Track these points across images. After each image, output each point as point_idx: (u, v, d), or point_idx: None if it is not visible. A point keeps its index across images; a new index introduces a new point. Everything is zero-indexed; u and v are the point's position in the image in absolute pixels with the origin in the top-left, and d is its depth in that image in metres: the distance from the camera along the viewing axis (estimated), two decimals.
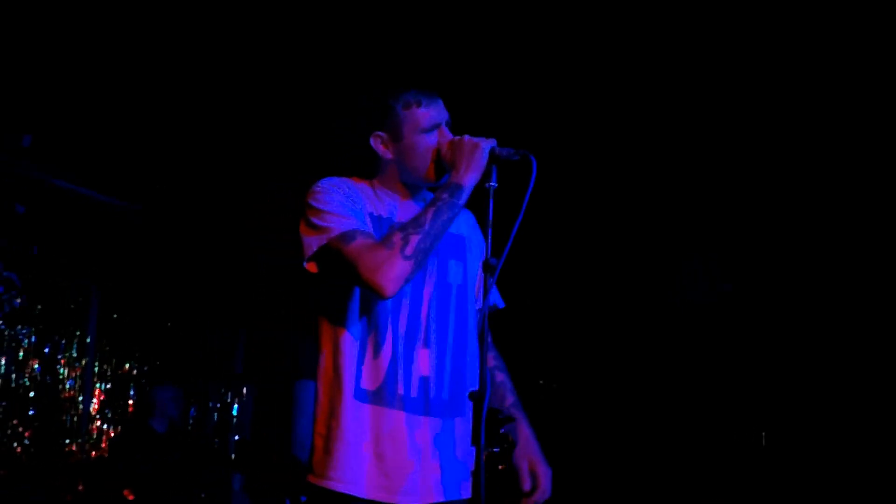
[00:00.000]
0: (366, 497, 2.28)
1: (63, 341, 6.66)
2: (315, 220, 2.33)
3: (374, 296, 2.32)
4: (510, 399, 2.54)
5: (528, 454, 2.55)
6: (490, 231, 2.21)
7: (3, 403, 6.21)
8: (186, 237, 7.23)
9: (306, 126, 6.06)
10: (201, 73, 5.54)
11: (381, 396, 2.38)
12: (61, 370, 6.59)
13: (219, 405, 7.24)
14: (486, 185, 2.31)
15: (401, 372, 2.40)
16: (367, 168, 2.60)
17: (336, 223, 2.31)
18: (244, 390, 7.26)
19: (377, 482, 2.32)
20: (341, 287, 2.43)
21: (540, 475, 2.52)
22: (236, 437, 7.33)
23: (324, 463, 2.34)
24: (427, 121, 2.47)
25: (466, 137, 2.38)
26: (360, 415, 2.37)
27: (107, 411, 6.92)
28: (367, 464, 2.34)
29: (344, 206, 2.39)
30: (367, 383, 2.40)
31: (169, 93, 5.80)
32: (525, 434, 2.56)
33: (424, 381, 2.42)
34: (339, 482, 2.31)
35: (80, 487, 5.88)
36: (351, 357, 2.40)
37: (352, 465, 2.33)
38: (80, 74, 5.52)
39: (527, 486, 2.47)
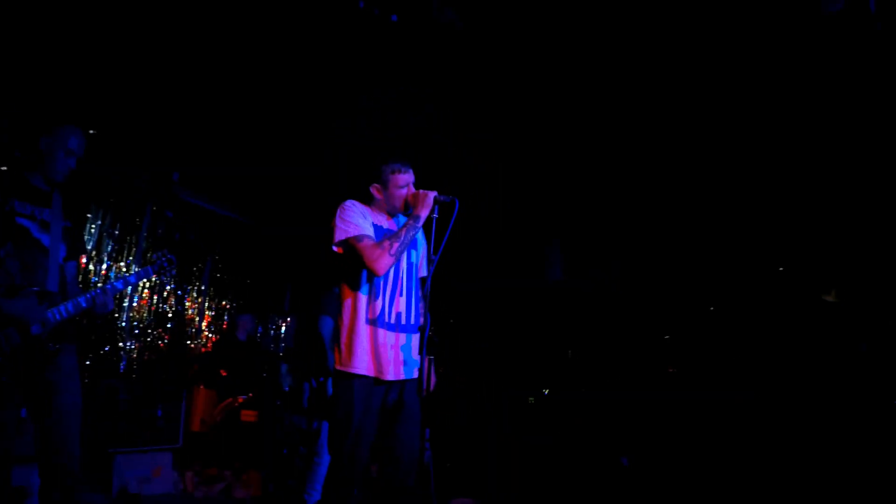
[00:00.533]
0: (367, 374, 3.66)
1: (189, 287, 8.76)
2: (341, 225, 3.73)
3: (371, 273, 3.72)
4: (428, 326, 3.63)
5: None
6: (433, 237, 3.69)
7: (153, 320, 8.16)
8: (263, 234, 9.20)
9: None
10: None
11: (377, 322, 3.75)
12: (186, 304, 8.69)
13: (274, 327, 9.13)
14: (432, 216, 3.77)
15: (387, 309, 3.79)
16: (366, 198, 3.98)
17: (353, 229, 3.72)
18: (289, 319, 9.16)
19: (374, 367, 3.68)
20: (353, 263, 3.76)
21: (432, 379, 3.93)
22: (283, 345, 9.21)
23: (347, 358, 3.69)
24: (402, 181, 3.91)
25: (422, 191, 3.81)
26: (366, 332, 3.73)
27: (211, 327, 8.98)
28: (369, 358, 3.69)
29: (358, 219, 3.78)
30: (370, 315, 3.76)
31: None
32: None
33: (398, 314, 3.82)
34: (355, 368, 3.67)
35: (196, 367, 7.95)
36: (361, 301, 3.76)
37: (361, 358, 3.68)
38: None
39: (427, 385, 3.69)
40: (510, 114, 7.03)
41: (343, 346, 3.72)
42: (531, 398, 7.86)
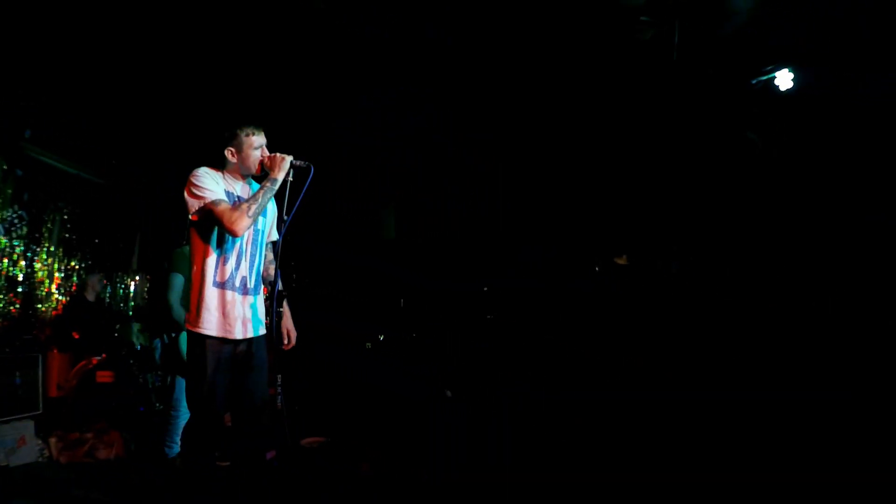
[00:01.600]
0: (216, 335, 3.81)
1: (38, 248, 8.29)
2: (196, 192, 3.75)
3: (229, 235, 3.78)
4: (279, 285, 3.83)
5: (286, 322, 4.16)
6: (286, 200, 3.76)
7: (5, 284, 7.72)
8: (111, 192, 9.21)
9: None
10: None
11: (225, 285, 3.86)
12: (36, 265, 8.27)
13: (123, 286, 9.03)
14: (288, 179, 3.84)
15: (234, 273, 3.89)
16: (218, 162, 3.99)
17: (209, 194, 3.75)
18: (137, 278, 9.12)
19: (222, 328, 3.83)
20: (208, 229, 3.82)
21: (292, 334, 4.20)
22: (132, 304, 9.14)
23: (197, 319, 3.81)
24: (256, 143, 3.94)
25: (278, 154, 3.88)
26: (215, 294, 3.84)
27: (61, 288, 8.62)
28: (217, 319, 3.82)
29: (212, 185, 3.80)
30: (219, 278, 3.86)
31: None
32: (287, 310, 4.09)
33: (244, 278, 3.93)
34: (204, 329, 3.80)
35: (48, 331, 7.90)
36: (211, 265, 3.84)
37: (210, 320, 3.81)
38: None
39: (286, 341, 4.05)
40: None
41: (193, 308, 3.86)
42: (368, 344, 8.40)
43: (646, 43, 6.47)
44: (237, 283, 3.92)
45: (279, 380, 4.85)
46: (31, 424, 6.35)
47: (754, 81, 6.99)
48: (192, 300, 3.89)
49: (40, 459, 6.25)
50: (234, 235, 3.79)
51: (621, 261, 7.88)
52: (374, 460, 5.95)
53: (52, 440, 6.43)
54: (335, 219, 9.39)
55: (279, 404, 5.25)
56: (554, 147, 8.25)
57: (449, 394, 7.45)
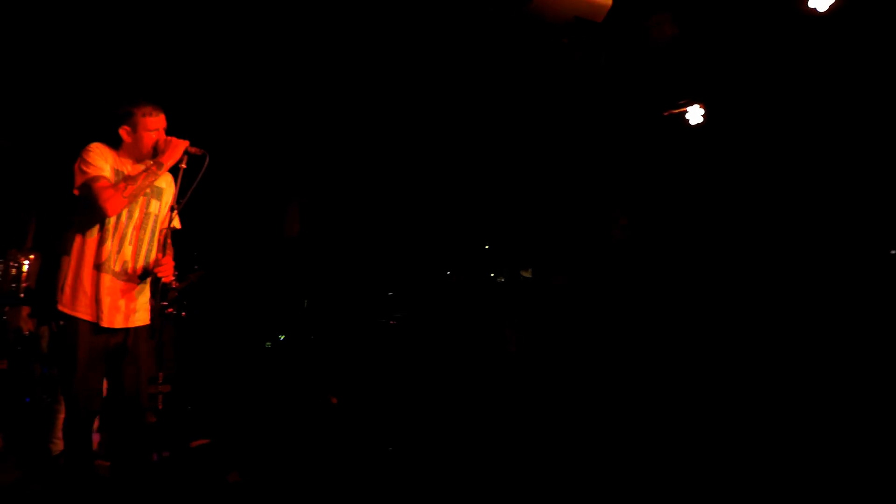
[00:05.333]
0: (89, 320, 3.67)
1: None
2: (83, 167, 3.64)
3: (102, 215, 3.64)
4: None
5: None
6: (178, 186, 3.75)
7: None
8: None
9: None
10: None
11: (102, 268, 3.71)
12: None
13: (15, 265, 8.40)
14: (181, 165, 3.77)
15: (114, 257, 3.76)
16: (114, 141, 3.86)
17: (92, 170, 3.63)
18: (31, 257, 8.47)
19: (95, 313, 3.68)
20: (89, 206, 3.67)
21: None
22: (24, 286, 8.46)
23: (70, 300, 3.69)
24: (153, 125, 3.82)
25: (174, 138, 3.80)
26: (91, 276, 3.71)
27: None
28: (92, 303, 3.69)
29: (99, 161, 3.68)
30: (97, 260, 3.71)
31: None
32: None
33: (125, 262, 3.80)
34: (77, 311, 3.68)
35: None
36: (90, 245, 3.71)
37: (83, 302, 3.68)
38: None
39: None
40: None
41: (67, 288, 3.73)
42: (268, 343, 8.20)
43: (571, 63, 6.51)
44: (117, 267, 3.80)
45: (160, 378, 4.98)
46: None
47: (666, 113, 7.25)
48: (68, 279, 3.75)
49: None
50: (107, 215, 3.66)
51: (526, 273, 7.93)
52: (246, 468, 5.84)
53: None
54: (237, 213, 9.28)
55: (160, 403, 5.56)
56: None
57: (334, 400, 7.47)
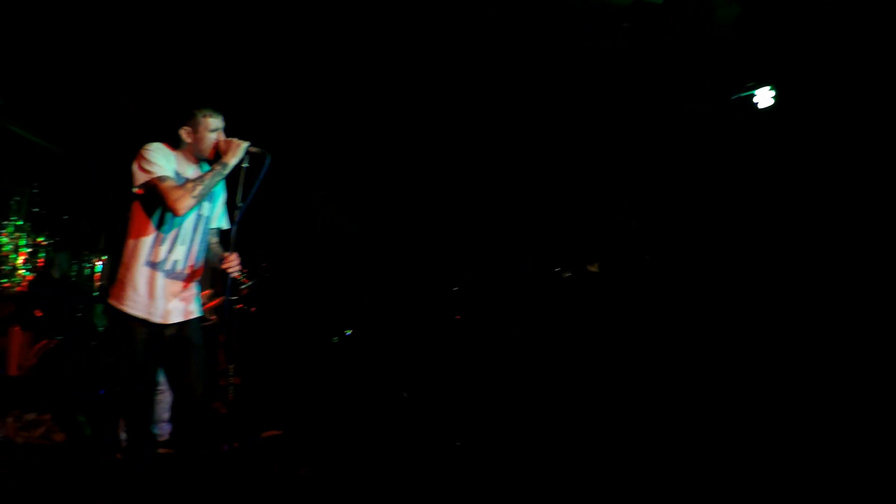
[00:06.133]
0: (139, 316, 3.68)
1: (5, 222, 8.51)
2: (144, 165, 3.63)
3: (170, 214, 3.65)
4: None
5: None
6: (242, 187, 3.73)
7: None
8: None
9: None
10: None
11: (157, 266, 3.72)
12: (3, 239, 8.43)
13: (89, 265, 8.79)
14: (243, 165, 3.79)
15: (167, 256, 3.76)
16: (174, 141, 3.87)
17: (156, 169, 3.64)
18: (104, 258, 8.78)
19: (146, 310, 3.70)
20: (150, 205, 3.69)
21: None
22: (99, 284, 8.74)
23: (122, 296, 3.70)
24: (213, 125, 3.84)
25: (234, 139, 3.80)
26: (144, 274, 3.71)
27: (27, 264, 8.63)
28: (144, 299, 3.69)
29: (161, 160, 3.69)
30: (152, 258, 3.72)
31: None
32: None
33: (175, 262, 3.79)
34: (128, 307, 3.69)
35: (11, 307, 7.83)
36: (147, 243, 3.72)
37: (135, 298, 3.70)
38: None
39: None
40: None
41: (119, 284, 3.75)
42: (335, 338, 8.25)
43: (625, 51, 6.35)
44: (168, 266, 3.79)
45: (231, 370, 4.71)
46: None
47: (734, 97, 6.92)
48: (121, 276, 3.76)
49: None
50: (176, 214, 3.65)
51: (593, 268, 7.80)
52: (316, 461, 5.76)
53: (9, 420, 6.29)
54: (301, 212, 9.34)
55: (230, 394, 5.56)
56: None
57: (405, 395, 7.36)
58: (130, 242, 3.76)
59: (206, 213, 3.98)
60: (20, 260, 8.53)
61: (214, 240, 4.10)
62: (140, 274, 3.70)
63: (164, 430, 5.50)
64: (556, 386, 7.11)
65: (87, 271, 8.66)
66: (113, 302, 3.74)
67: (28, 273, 8.46)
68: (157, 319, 3.72)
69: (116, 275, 3.79)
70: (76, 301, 7.90)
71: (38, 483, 5.07)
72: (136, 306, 3.70)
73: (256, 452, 5.83)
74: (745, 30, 6.52)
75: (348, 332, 8.50)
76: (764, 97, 7.07)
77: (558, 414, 6.60)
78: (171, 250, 3.77)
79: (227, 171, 3.78)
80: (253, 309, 7.74)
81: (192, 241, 3.88)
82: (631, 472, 5.15)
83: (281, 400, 7.56)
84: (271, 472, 5.27)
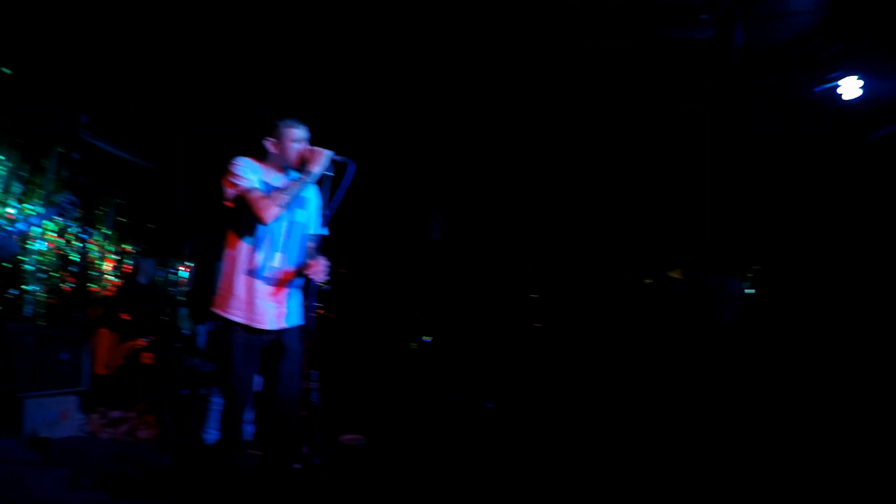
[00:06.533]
0: (242, 322, 3.80)
1: (93, 231, 8.62)
2: (233, 179, 3.77)
3: (258, 224, 3.75)
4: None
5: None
6: (328, 194, 3.84)
7: (60, 263, 7.86)
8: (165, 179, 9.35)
9: None
10: None
11: (255, 273, 3.84)
12: (91, 247, 8.58)
13: (174, 270, 9.23)
14: (326, 174, 3.87)
15: (266, 263, 3.86)
16: (259, 153, 3.99)
17: (244, 182, 3.77)
18: (188, 264, 9.20)
19: (248, 316, 3.82)
20: (242, 217, 3.80)
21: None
22: (183, 289, 9.31)
23: (224, 304, 3.84)
24: (297, 136, 3.95)
25: (318, 148, 3.87)
26: (245, 282, 3.83)
27: (114, 270, 8.91)
28: (245, 306, 3.81)
29: (248, 174, 3.82)
30: (250, 266, 3.84)
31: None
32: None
33: (275, 268, 3.88)
34: (231, 315, 3.82)
35: (99, 311, 7.86)
36: (242, 253, 3.84)
37: (237, 306, 3.82)
38: None
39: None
40: None
41: (221, 292, 3.88)
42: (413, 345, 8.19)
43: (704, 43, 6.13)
44: (267, 273, 3.87)
45: (315, 376, 4.73)
46: (74, 399, 6.32)
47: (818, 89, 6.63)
48: (223, 285, 3.88)
49: (82, 434, 6.25)
50: (263, 223, 3.73)
51: (675, 274, 7.61)
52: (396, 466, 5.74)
53: (95, 416, 6.40)
54: (381, 218, 9.30)
55: (313, 400, 5.26)
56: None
57: (490, 405, 7.18)
58: (228, 252, 3.89)
59: (301, 220, 4.04)
60: (107, 266, 8.78)
61: (313, 245, 4.11)
62: (239, 282, 3.81)
63: (246, 431, 5.49)
64: (646, 394, 6.96)
65: (172, 277, 8.95)
66: (216, 309, 3.86)
67: (115, 279, 8.79)
68: (257, 325, 3.81)
69: (218, 284, 3.91)
70: (162, 305, 8.07)
71: (123, 476, 5.17)
72: (238, 313, 3.81)
73: (336, 456, 5.84)
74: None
75: (426, 339, 8.39)
76: (850, 88, 6.75)
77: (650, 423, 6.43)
78: (267, 258, 3.86)
79: (312, 180, 3.84)
80: (332, 315, 7.71)
81: (287, 247, 3.95)
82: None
83: (361, 405, 7.56)
84: (349, 476, 5.29)
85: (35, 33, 6.17)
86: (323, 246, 3.98)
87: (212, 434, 5.98)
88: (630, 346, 7.89)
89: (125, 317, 7.62)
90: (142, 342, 7.25)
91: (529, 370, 7.95)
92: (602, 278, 8.74)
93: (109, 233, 8.83)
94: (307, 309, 3.87)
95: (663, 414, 6.71)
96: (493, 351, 8.25)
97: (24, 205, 7.20)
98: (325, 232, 4.00)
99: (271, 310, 3.85)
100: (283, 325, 3.91)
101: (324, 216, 3.88)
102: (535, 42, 6.42)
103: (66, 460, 5.40)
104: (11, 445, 5.63)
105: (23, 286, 7.32)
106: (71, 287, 8.05)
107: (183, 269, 8.97)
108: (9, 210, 7.01)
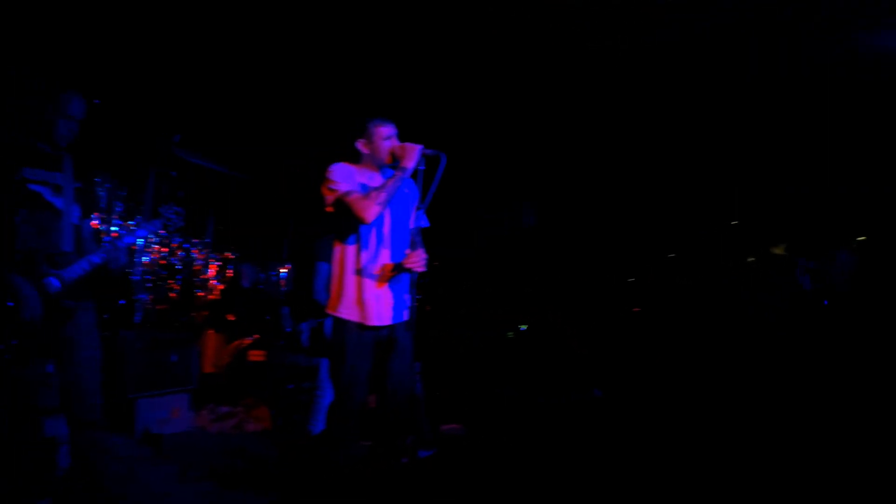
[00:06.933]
0: (356, 320, 3.83)
1: (195, 240, 9.04)
2: (330, 186, 3.80)
3: (361, 224, 3.79)
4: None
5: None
6: (420, 189, 3.80)
7: (165, 273, 8.34)
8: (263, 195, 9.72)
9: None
10: None
11: (363, 272, 3.86)
12: (194, 255, 8.98)
13: (274, 273, 9.46)
14: (419, 168, 3.82)
15: (373, 261, 3.88)
16: (352, 156, 4.02)
17: (342, 187, 3.80)
18: (287, 266, 9.35)
19: (360, 314, 3.84)
20: (345, 220, 3.83)
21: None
22: (283, 289, 9.42)
23: (337, 304, 3.87)
24: (386, 133, 3.96)
25: (408, 143, 3.86)
26: (353, 282, 3.86)
27: (218, 276, 9.27)
28: (357, 305, 3.84)
29: (345, 178, 3.84)
30: (357, 266, 3.87)
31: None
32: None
33: (382, 265, 3.89)
34: (344, 314, 3.85)
35: (205, 314, 8.37)
36: (349, 253, 3.88)
37: (349, 305, 3.85)
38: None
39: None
40: None
41: (333, 293, 3.91)
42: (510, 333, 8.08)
43: None
44: (375, 271, 3.88)
45: (418, 367, 4.95)
46: (185, 397, 6.51)
47: None
48: (333, 287, 3.91)
49: (192, 429, 6.42)
50: (365, 223, 3.76)
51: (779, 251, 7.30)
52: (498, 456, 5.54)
53: (204, 412, 6.57)
54: (475, 209, 9.28)
55: (417, 391, 5.40)
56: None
57: (599, 393, 6.99)
58: (337, 254, 3.92)
59: (400, 216, 4.04)
60: (211, 272, 9.09)
61: (417, 238, 4.06)
62: (349, 281, 3.85)
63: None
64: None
65: (272, 278, 9.15)
66: (329, 310, 3.90)
67: (219, 284, 9.12)
68: (369, 322, 3.82)
69: (329, 285, 3.99)
70: (264, 306, 8.34)
71: (231, 468, 5.27)
72: (350, 311, 3.83)
73: (438, 445, 5.78)
74: None
75: (523, 328, 8.26)
76: None
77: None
78: (375, 256, 3.88)
79: (406, 175, 3.83)
80: (427, 308, 7.70)
81: (393, 244, 3.96)
82: None
83: (460, 396, 7.50)
84: (453, 465, 5.19)
85: (128, 61, 6.40)
86: (421, 238, 3.95)
87: (318, 426, 6.04)
88: (733, 328, 7.54)
89: (230, 318, 7.94)
90: (247, 341, 7.48)
91: (632, 356, 7.55)
92: (704, 257, 8.41)
93: (209, 241, 9.13)
94: (409, 301, 3.86)
95: (778, 398, 6.34)
96: (591, 338, 7.96)
97: (129, 222, 7.69)
98: (424, 224, 3.99)
99: (382, 306, 3.87)
100: (393, 320, 3.92)
101: (419, 211, 3.86)
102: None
103: (177, 455, 5.54)
104: (125, 443, 5.78)
105: (132, 295, 7.55)
106: (176, 293, 8.38)
107: (283, 270, 9.17)
108: (112, 229, 7.49)
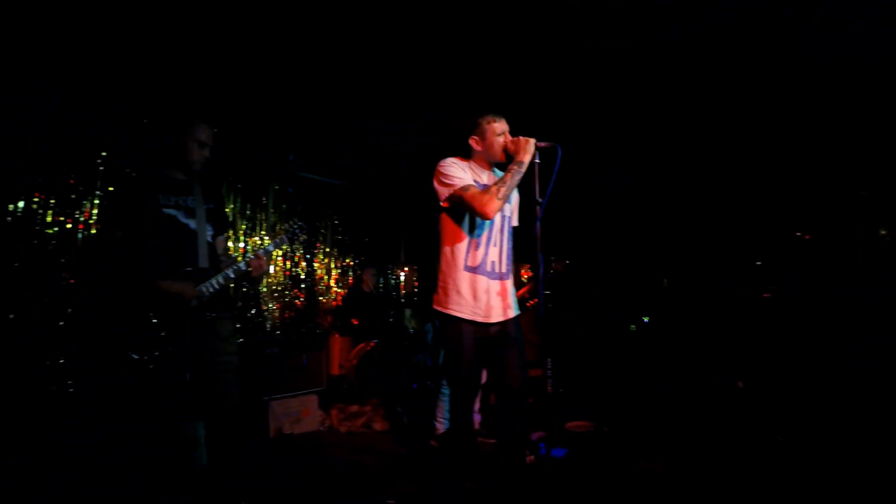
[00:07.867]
0: (466, 318, 3.74)
1: (315, 250, 9.21)
2: (444, 180, 3.73)
3: (479, 219, 3.72)
4: (541, 269, 3.62)
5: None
6: (537, 183, 3.61)
7: (290, 282, 8.52)
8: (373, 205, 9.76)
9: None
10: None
11: (475, 269, 3.78)
12: (315, 264, 9.13)
13: (394, 277, 9.57)
14: (534, 161, 3.73)
15: (485, 258, 3.81)
16: (465, 152, 3.93)
17: (457, 181, 3.72)
18: (406, 269, 9.56)
19: (472, 310, 3.75)
20: (459, 215, 3.78)
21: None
22: (404, 292, 9.60)
23: (446, 300, 3.77)
24: (499, 129, 3.86)
25: (522, 137, 3.77)
26: (466, 278, 3.78)
27: (339, 282, 9.44)
28: (471, 302, 3.76)
29: (459, 172, 3.77)
30: (471, 262, 3.79)
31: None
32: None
33: (493, 263, 3.84)
34: (455, 311, 3.75)
35: (329, 319, 8.53)
36: (462, 250, 3.79)
37: (459, 301, 3.76)
38: None
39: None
40: None
41: (442, 290, 3.81)
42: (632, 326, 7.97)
43: None
44: (488, 268, 3.81)
45: (549, 363, 4.68)
46: (315, 398, 6.66)
47: None
48: (443, 283, 3.81)
49: (322, 428, 6.57)
50: (486, 218, 3.65)
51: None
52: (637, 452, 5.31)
53: (333, 412, 6.70)
54: (591, 201, 9.05)
55: (549, 387, 5.23)
56: None
57: (740, 384, 6.75)
58: (447, 251, 3.84)
59: (508, 214, 4.00)
60: (332, 280, 9.22)
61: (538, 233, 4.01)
62: (461, 278, 3.77)
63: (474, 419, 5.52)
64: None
65: (392, 282, 9.13)
66: (438, 307, 3.82)
67: (340, 290, 9.24)
68: (481, 319, 3.75)
69: (440, 283, 3.86)
70: (387, 309, 8.43)
71: (359, 464, 5.35)
72: (462, 308, 3.75)
73: (563, 442, 5.64)
74: None
75: (646, 319, 8.11)
76: None
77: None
78: (486, 253, 3.82)
79: (524, 169, 3.73)
80: (551, 304, 7.64)
81: (501, 241, 3.91)
82: None
83: (587, 391, 7.31)
84: (583, 463, 5.04)
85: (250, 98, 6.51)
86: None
87: (445, 423, 5.97)
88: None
89: (354, 322, 8.02)
90: (371, 343, 7.56)
91: (766, 344, 7.28)
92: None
93: (329, 250, 9.30)
94: (539, 298, 3.70)
95: None
96: (724, 326, 7.70)
97: (255, 238, 7.96)
98: (517, 223, 4.00)
99: (496, 303, 3.80)
100: (506, 315, 3.85)
101: (538, 204, 3.65)
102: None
103: (310, 452, 5.69)
104: (259, 443, 5.99)
105: (262, 306, 7.83)
106: (302, 302, 8.54)
107: (401, 273, 9.06)
108: (240, 245, 7.73)
